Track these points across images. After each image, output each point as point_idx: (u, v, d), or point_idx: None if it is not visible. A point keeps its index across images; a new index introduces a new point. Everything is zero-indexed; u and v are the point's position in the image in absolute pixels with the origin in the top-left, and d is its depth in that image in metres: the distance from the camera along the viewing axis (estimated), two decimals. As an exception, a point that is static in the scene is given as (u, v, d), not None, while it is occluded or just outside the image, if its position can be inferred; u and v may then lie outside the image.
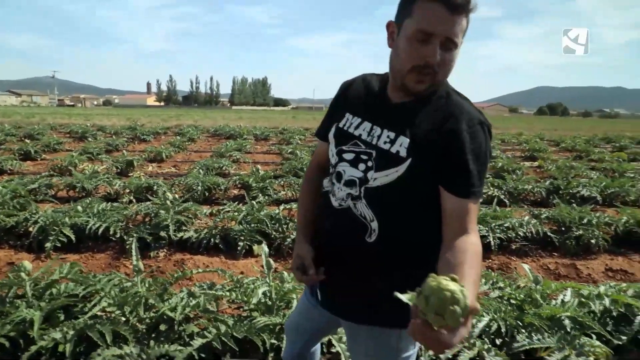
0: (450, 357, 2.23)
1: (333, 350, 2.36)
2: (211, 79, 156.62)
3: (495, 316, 2.45)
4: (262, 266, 2.82)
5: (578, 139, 17.89)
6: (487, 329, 2.42)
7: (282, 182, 6.77)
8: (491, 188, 6.58)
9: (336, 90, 1.47)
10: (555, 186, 6.94)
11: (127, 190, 6.23)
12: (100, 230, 4.18)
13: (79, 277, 2.62)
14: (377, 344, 1.39)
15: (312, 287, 1.51)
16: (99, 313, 2.40)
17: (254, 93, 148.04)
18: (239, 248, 4.10)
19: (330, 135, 1.37)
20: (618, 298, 2.59)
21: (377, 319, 1.32)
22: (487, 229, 4.43)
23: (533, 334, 2.34)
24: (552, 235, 4.58)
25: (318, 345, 1.85)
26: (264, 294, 2.61)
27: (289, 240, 4.24)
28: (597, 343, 2.25)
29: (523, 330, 2.41)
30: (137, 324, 2.42)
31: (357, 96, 1.36)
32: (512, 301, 2.65)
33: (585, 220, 4.71)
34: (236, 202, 5.13)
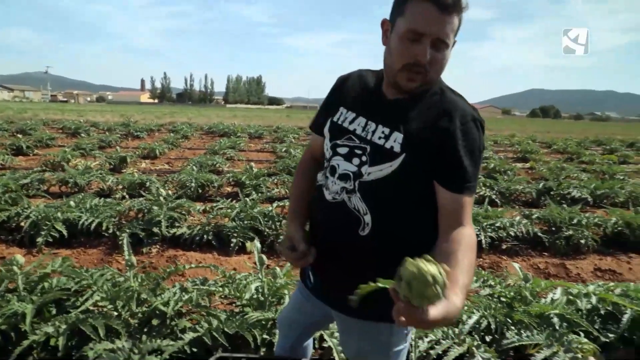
0: (440, 352, 2.26)
1: (325, 345, 2.38)
2: (206, 76, 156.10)
3: (486, 313, 2.48)
4: (255, 263, 2.83)
5: (569, 141, 18.03)
6: (477, 326, 2.45)
7: (276, 180, 6.77)
8: (483, 188, 6.63)
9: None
10: (546, 187, 7.00)
11: (120, 187, 6.20)
12: (93, 225, 4.16)
13: (72, 271, 2.61)
14: (368, 337, 1.41)
15: (304, 271, 1.52)
16: (91, 307, 2.40)
17: (249, 91, 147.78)
18: (231, 245, 4.11)
19: (325, 130, 1.38)
20: (606, 297, 2.63)
21: (369, 313, 1.33)
22: (478, 228, 4.46)
23: (522, 331, 2.37)
24: (542, 235, 4.63)
25: (310, 340, 1.87)
26: (256, 289, 2.62)
27: (281, 237, 4.25)
28: (585, 340, 2.28)
29: (512, 328, 2.44)
30: (129, 318, 2.42)
31: (352, 91, 1.38)
32: (502, 299, 2.69)
33: (575, 221, 4.76)
34: (229, 199, 5.13)
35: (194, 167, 7.70)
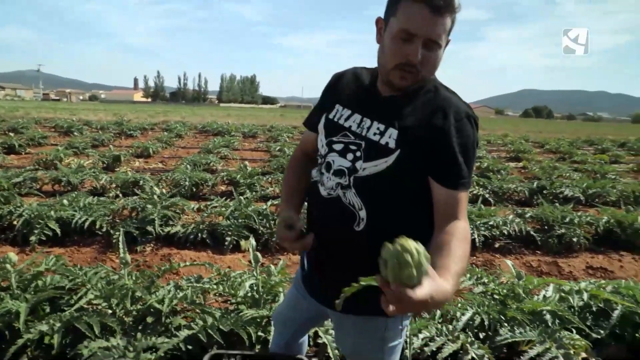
0: (434, 349, 2.28)
1: (319, 341, 2.38)
2: (199, 75, 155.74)
3: (479, 310, 2.50)
4: (250, 261, 2.84)
5: (562, 141, 18.16)
6: (470, 323, 2.47)
7: (270, 178, 6.77)
8: (476, 187, 6.67)
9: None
10: (539, 186, 7.06)
11: (114, 185, 6.17)
12: (87, 224, 4.15)
13: (65, 269, 2.61)
14: (364, 333, 1.42)
15: (301, 258, 1.51)
16: (85, 306, 2.39)
17: (242, 91, 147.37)
18: (226, 243, 4.11)
19: (320, 126, 1.39)
20: (597, 293, 2.66)
21: (364, 309, 1.34)
22: (472, 227, 4.49)
23: (515, 328, 2.40)
24: (535, 233, 4.66)
25: (305, 337, 1.87)
26: (251, 287, 2.62)
27: (276, 236, 4.24)
28: (577, 337, 2.31)
29: (506, 324, 2.46)
30: (124, 316, 2.41)
31: (347, 88, 1.38)
32: (495, 296, 2.71)
33: (567, 220, 4.81)
34: (224, 198, 5.12)
35: (188, 166, 7.69)
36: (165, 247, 4.13)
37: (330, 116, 1.37)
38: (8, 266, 2.48)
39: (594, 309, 2.65)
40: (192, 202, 5.22)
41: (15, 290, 2.43)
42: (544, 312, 2.52)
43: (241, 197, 4.93)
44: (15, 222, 4.16)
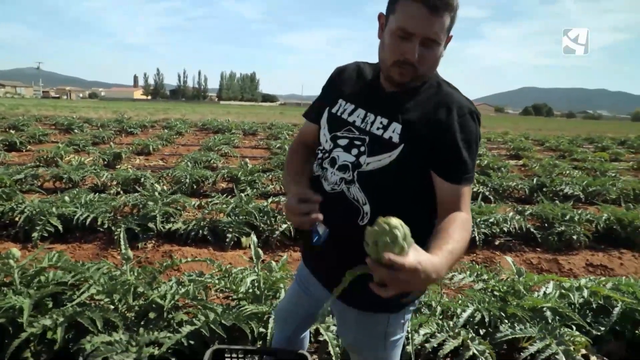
0: (435, 345, 2.29)
1: (320, 338, 2.40)
2: (199, 73, 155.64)
3: (479, 307, 2.51)
4: (251, 257, 2.84)
5: (562, 138, 18.17)
6: (471, 319, 2.47)
7: (270, 176, 6.78)
8: (477, 184, 6.68)
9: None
10: (539, 184, 7.07)
11: (115, 182, 6.19)
12: (88, 220, 4.16)
13: (68, 265, 2.62)
14: (366, 327, 1.43)
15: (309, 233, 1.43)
16: (87, 301, 2.40)
17: (242, 88, 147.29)
18: (227, 240, 4.12)
19: (323, 120, 1.39)
20: (597, 290, 2.67)
21: (366, 303, 1.35)
22: (472, 224, 4.49)
23: (516, 324, 2.40)
24: (535, 231, 4.67)
25: (307, 333, 1.88)
26: (252, 282, 2.63)
27: (277, 232, 4.26)
28: (577, 333, 2.33)
29: (506, 321, 2.48)
30: (126, 311, 2.42)
31: (350, 83, 1.39)
32: (496, 292, 2.72)
33: (567, 217, 4.82)
34: (224, 195, 5.13)
35: (189, 163, 7.69)
36: (166, 244, 4.15)
37: (334, 110, 1.37)
38: (11, 262, 2.49)
39: (594, 305, 2.66)
40: (193, 199, 5.23)
41: (19, 286, 2.44)
42: (544, 308, 2.53)
43: (242, 194, 4.94)
44: (17, 219, 4.17)
